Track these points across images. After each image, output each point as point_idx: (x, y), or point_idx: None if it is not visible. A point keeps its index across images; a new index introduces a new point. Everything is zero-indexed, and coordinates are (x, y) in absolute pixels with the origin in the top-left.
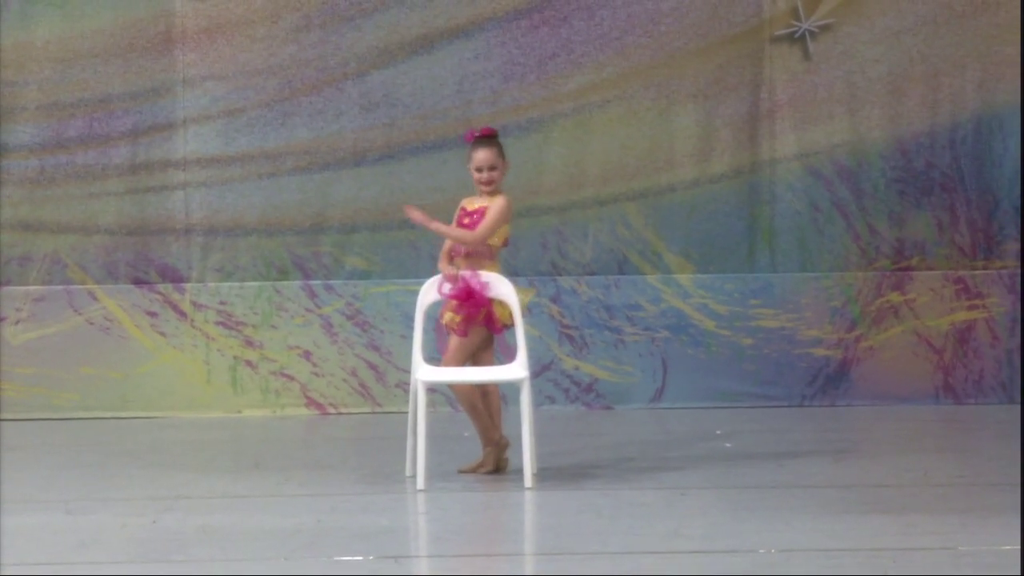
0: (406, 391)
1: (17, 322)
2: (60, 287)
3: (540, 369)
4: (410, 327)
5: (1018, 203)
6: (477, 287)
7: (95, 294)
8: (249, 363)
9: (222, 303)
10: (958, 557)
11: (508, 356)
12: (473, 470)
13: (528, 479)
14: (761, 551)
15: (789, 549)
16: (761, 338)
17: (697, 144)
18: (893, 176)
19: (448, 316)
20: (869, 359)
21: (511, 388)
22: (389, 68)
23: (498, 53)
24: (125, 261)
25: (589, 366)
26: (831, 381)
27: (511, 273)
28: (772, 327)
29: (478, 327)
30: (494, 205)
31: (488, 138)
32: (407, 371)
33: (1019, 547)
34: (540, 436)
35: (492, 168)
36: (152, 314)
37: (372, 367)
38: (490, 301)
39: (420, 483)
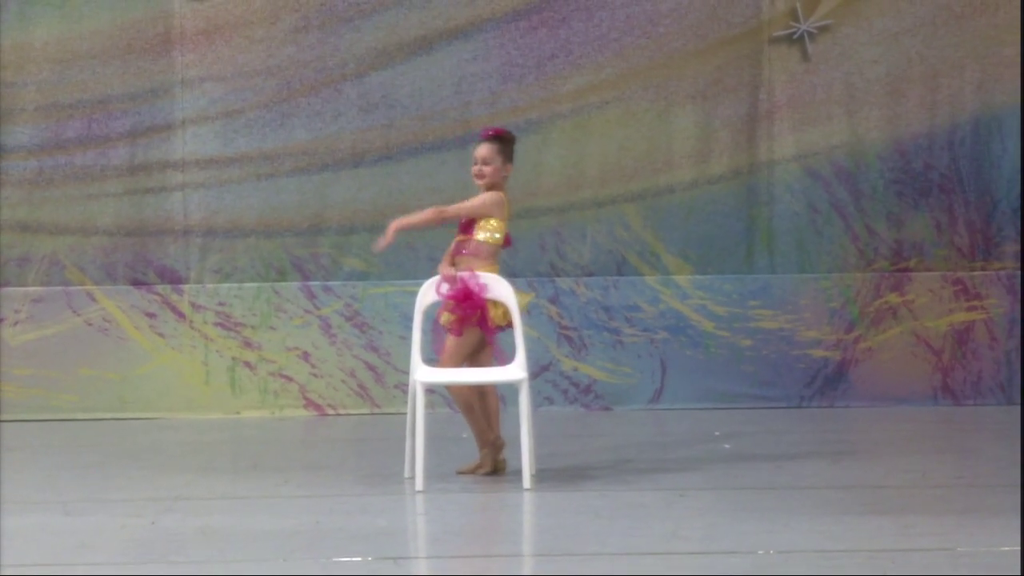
0: (405, 392)
1: (16, 323)
2: (59, 288)
3: (539, 370)
4: (409, 328)
5: (1016, 204)
6: (475, 288)
7: (94, 295)
8: (248, 364)
9: (221, 304)
10: (956, 558)
11: (499, 360)
12: (471, 471)
13: (527, 480)
14: (760, 552)
15: (788, 550)
16: (760, 339)
17: (696, 145)
18: (892, 177)
19: (445, 316)
20: (868, 360)
21: (510, 389)
22: (388, 69)
23: (497, 54)
24: (123, 262)
25: (588, 367)
26: (830, 382)
27: (510, 274)
28: (771, 328)
29: (473, 328)
30: (481, 197)
31: (494, 137)
32: (406, 372)
33: (1018, 548)
34: (539, 437)
35: (485, 163)
36: (151, 315)
37: (371, 368)
38: (486, 302)
39: (419, 484)
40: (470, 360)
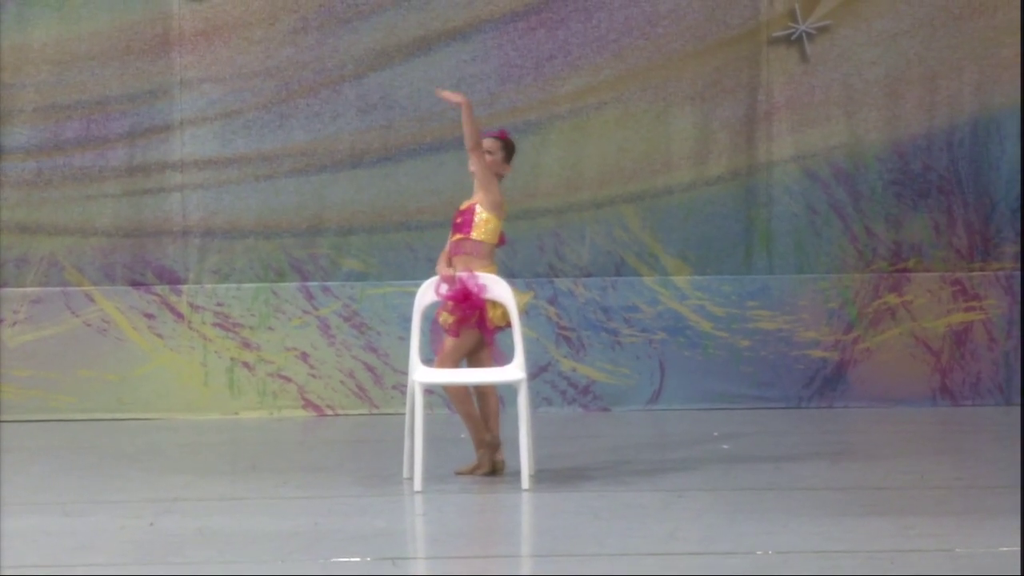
0: (403, 393)
1: (14, 324)
2: (57, 289)
3: (537, 371)
4: (407, 329)
5: (1014, 205)
6: (474, 289)
7: (92, 296)
8: (246, 365)
9: (219, 305)
10: (955, 559)
11: (497, 360)
12: (470, 472)
13: (525, 481)
14: (758, 553)
15: (786, 551)
16: (758, 340)
17: (694, 146)
18: (890, 178)
19: (443, 317)
20: (866, 361)
21: (508, 390)
22: (386, 70)
23: (495, 55)
24: (122, 263)
25: (586, 368)
26: (828, 383)
27: (508, 275)
28: (769, 329)
29: (470, 329)
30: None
31: (499, 136)
32: (404, 373)
33: (1018, 549)
34: (537, 438)
35: (489, 152)
36: (149, 316)
37: (369, 369)
38: (484, 303)
39: (417, 485)
40: (469, 361)
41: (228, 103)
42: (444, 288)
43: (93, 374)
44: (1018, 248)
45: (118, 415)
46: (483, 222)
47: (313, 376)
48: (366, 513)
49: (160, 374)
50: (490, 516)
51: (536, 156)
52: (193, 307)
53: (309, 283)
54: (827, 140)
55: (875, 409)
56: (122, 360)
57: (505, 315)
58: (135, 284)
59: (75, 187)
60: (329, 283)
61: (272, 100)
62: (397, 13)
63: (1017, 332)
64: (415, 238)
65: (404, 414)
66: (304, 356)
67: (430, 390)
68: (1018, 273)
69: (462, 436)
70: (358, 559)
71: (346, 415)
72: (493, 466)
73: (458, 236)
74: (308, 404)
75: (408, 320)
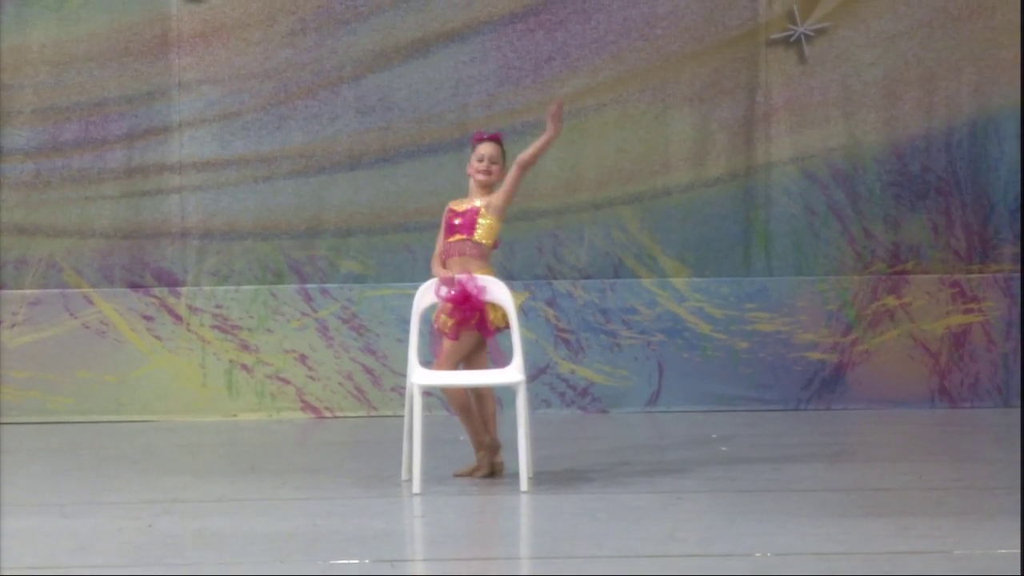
0: (402, 395)
1: (13, 326)
2: (56, 291)
3: (536, 373)
4: (406, 331)
5: (1013, 207)
6: (473, 290)
7: (91, 298)
8: (245, 367)
9: (218, 307)
10: (954, 560)
11: (498, 361)
12: (469, 474)
13: (524, 483)
14: (757, 554)
15: (785, 552)
16: (757, 342)
17: (693, 148)
18: (889, 180)
19: (442, 319)
20: (865, 363)
21: (507, 392)
22: (385, 72)
23: (494, 57)
24: (121, 265)
25: (585, 370)
26: (827, 385)
27: (506, 276)
28: (768, 331)
29: (469, 331)
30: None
31: (498, 140)
32: (403, 375)
33: (1015, 550)
34: (536, 440)
35: (493, 162)
36: (148, 318)
37: (368, 371)
38: (484, 305)
39: (416, 487)
40: (465, 363)
41: (226, 104)
42: (444, 290)
43: (92, 376)
44: (1016, 250)
45: (117, 417)
46: (487, 226)
47: (312, 378)
48: (365, 515)
49: (159, 376)
50: (489, 518)
51: None
52: (192, 309)
53: (308, 285)
54: (825, 141)
55: (873, 411)
56: (121, 362)
57: (505, 316)
58: (134, 286)
59: (73, 189)
60: (328, 285)
61: (270, 101)
62: (395, 15)
63: (1016, 334)
64: (414, 239)
65: (403, 416)
66: (303, 358)
67: (428, 392)
68: (1016, 275)
69: (461, 438)
70: (356, 561)
71: (344, 417)
72: (492, 468)
73: (458, 237)
74: (307, 406)
75: (406, 322)
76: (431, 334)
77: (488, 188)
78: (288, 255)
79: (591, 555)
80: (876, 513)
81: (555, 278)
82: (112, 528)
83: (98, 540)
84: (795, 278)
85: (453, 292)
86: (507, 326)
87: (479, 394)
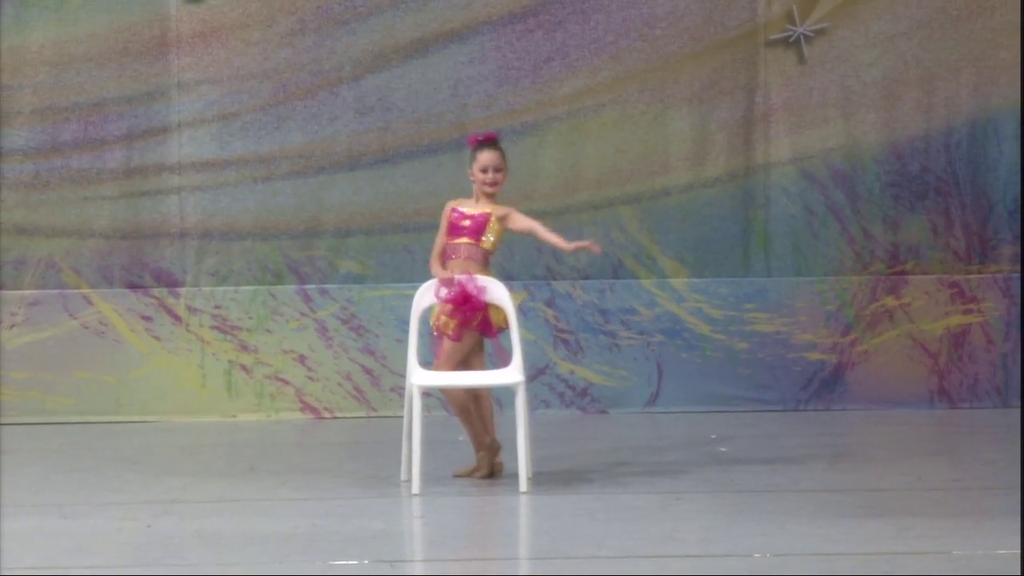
0: (401, 395)
1: (12, 326)
2: (55, 291)
3: (535, 373)
4: (405, 331)
5: (1012, 207)
6: (473, 291)
7: (90, 298)
8: (244, 367)
9: (217, 307)
10: (953, 561)
11: (503, 361)
12: (468, 474)
13: (523, 483)
14: (756, 555)
15: (784, 553)
16: (756, 342)
17: (692, 148)
18: (888, 180)
19: (443, 320)
20: (864, 363)
21: (506, 392)
22: (384, 72)
23: (493, 57)
24: (120, 265)
25: (584, 370)
26: (826, 385)
27: (505, 277)
28: (767, 331)
29: (472, 332)
30: (514, 209)
31: (493, 142)
32: (402, 375)
33: (1014, 551)
34: (535, 440)
35: (497, 170)
36: (147, 318)
37: (367, 371)
38: (486, 305)
39: (415, 487)
40: (462, 364)
41: (225, 105)
42: (443, 291)
43: (91, 376)
44: (1015, 250)
45: (116, 417)
46: (495, 233)
47: (311, 378)
48: (364, 515)
49: (158, 376)
50: (488, 518)
51: (534, 158)
52: (191, 309)
53: (307, 285)
54: (824, 142)
55: (873, 411)
56: (120, 362)
57: (505, 316)
58: (133, 286)
59: (73, 189)
60: (327, 285)
61: (269, 102)
62: (394, 15)
63: (1015, 334)
64: (413, 240)
65: (402, 416)
66: (302, 359)
67: (428, 393)
68: (1015, 275)
69: (460, 439)
70: (356, 561)
71: (344, 417)
72: (491, 468)
73: (465, 240)
74: (306, 406)
75: (406, 322)
76: (431, 334)
77: (494, 196)
78: (287, 255)
79: (590, 555)
80: (875, 514)
81: (554, 278)
82: (111, 529)
83: (97, 541)
84: (794, 279)
85: (453, 293)
86: (507, 326)
87: (476, 395)
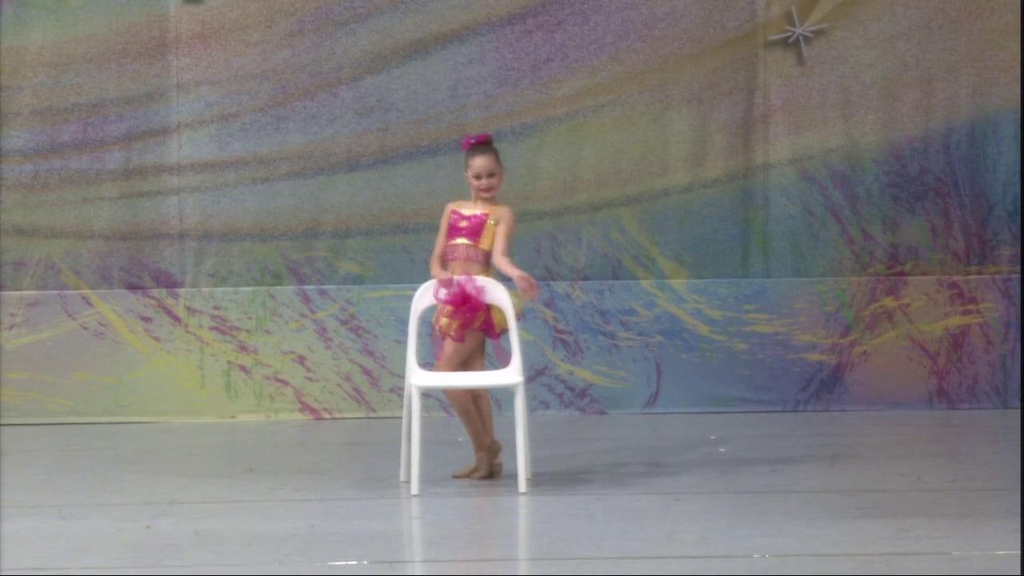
0: (400, 396)
1: (11, 327)
2: (54, 292)
3: (534, 374)
4: (404, 332)
5: (1011, 208)
6: (473, 292)
7: (89, 299)
8: (243, 368)
9: (216, 308)
10: (952, 562)
11: (502, 361)
12: (467, 475)
13: (522, 484)
14: (755, 556)
15: (783, 554)
16: (755, 343)
17: (691, 149)
18: (887, 181)
19: (444, 321)
20: (863, 364)
21: (505, 393)
22: (383, 73)
23: (492, 58)
24: (119, 266)
25: (583, 371)
26: (825, 386)
27: (505, 278)
28: (766, 332)
29: (474, 333)
30: (505, 218)
31: (485, 144)
32: (401, 376)
33: (1015, 552)
34: (534, 441)
35: (491, 175)
36: (146, 319)
37: (366, 372)
38: (488, 307)
39: (414, 488)
40: (463, 365)
41: (225, 106)
42: (442, 292)
43: (90, 377)
44: (1015, 251)
45: (115, 418)
46: (491, 235)
47: (310, 379)
48: (363, 516)
49: (157, 377)
50: (487, 519)
51: (533, 159)
52: (190, 310)
53: (306, 286)
54: (824, 143)
55: (872, 412)
56: (119, 363)
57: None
58: (132, 287)
59: (72, 190)
60: (326, 286)
61: (269, 103)
62: (394, 16)
63: (1014, 335)
64: (412, 241)
65: (401, 417)
66: (301, 359)
67: (427, 393)
68: (1015, 276)
69: (460, 439)
70: (355, 562)
71: (343, 418)
72: (490, 469)
73: (463, 241)
74: (305, 407)
75: (405, 323)
76: (431, 335)
77: (492, 200)
78: (286, 256)
79: (589, 556)
80: (874, 514)
81: (553, 279)
82: (110, 529)
83: (96, 541)
84: (793, 279)
85: (452, 294)
86: (508, 328)
87: (475, 395)
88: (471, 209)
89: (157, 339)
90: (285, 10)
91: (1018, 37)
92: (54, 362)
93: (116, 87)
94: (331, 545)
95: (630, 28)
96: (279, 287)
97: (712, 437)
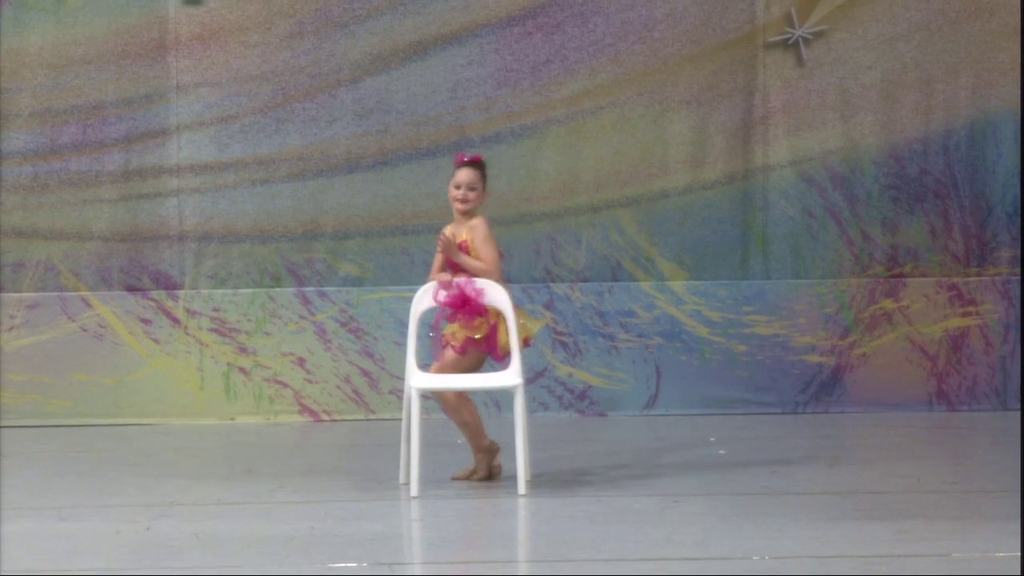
0: (400, 398)
1: (11, 329)
2: (54, 294)
3: (533, 376)
4: (404, 334)
5: (1011, 209)
6: (472, 294)
7: (88, 301)
8: (242, 370)
9: (215, 310)
10: (952, 563)
11: (502, 363)
12: (466, 477)
13: (521, 486)
14: (754, 557)
15: (782, 555)
16: (754, 345)
17: (690, 150)
18: (886, 182)
19: (450, 329)
20: (863, 366)
21: (505, 395)
22: (382, 75)
23: (491, 59)
24: (118, 268)
25: (582, 373)
26: (825, 388)
27: (504, 279)
28: (765, 334)
29: (478, 352)
30: (477, 234)
31: (477, 163)
32: (401, 378)
33: (1016, 553)
34: (533, 443)
35: (471, 188)
36: (145, 321)
37: (366, 374)
38: (495, 323)
39: (413, 490)
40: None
41: (224, 107)
42: (442, 294)
43: (89, 379)
44: (1014, 252)
45: (114, 420)
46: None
47: (309, 381)
48: (362, 518)
49: (156, 379)
50: (486, 521)
51: (532, 160)
52: (189, 312)
53: (305, 288)
54: (823, 144)
55: (871, 414)
56: (118, 365)
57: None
58: (131, 289)
59: (71, 192)
60: (325, 288)
61: (268, 104)
62: (393, 18)
63: (1014, 337)
64: (411, 242)
65: (400, 419)
66: (300, 361)
67: (427, 395)
68: (1014, 278)
69: (459, 441)
70: (354, 564)
71: (342, 420)
72: (489, 471)
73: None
74: (304, 409)
75: (404, 325)
76: (432, 338)
77: (468, 215)
78: (286, 258)
79: (589, 558)
80: (874, 516)
81: (553, 281)
82: (110, 531)
83: (96, 543)
84: (793, 281)
85: (451, 295)
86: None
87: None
88: (459, 236)
89: (156, 341)
90: (284, 12)
91: (1018, 39)
92: (54, 364)
93: (115, 89)
94: (330, 547)
95: (629, 30)
96: (278, 289)
97: (711, 439)
